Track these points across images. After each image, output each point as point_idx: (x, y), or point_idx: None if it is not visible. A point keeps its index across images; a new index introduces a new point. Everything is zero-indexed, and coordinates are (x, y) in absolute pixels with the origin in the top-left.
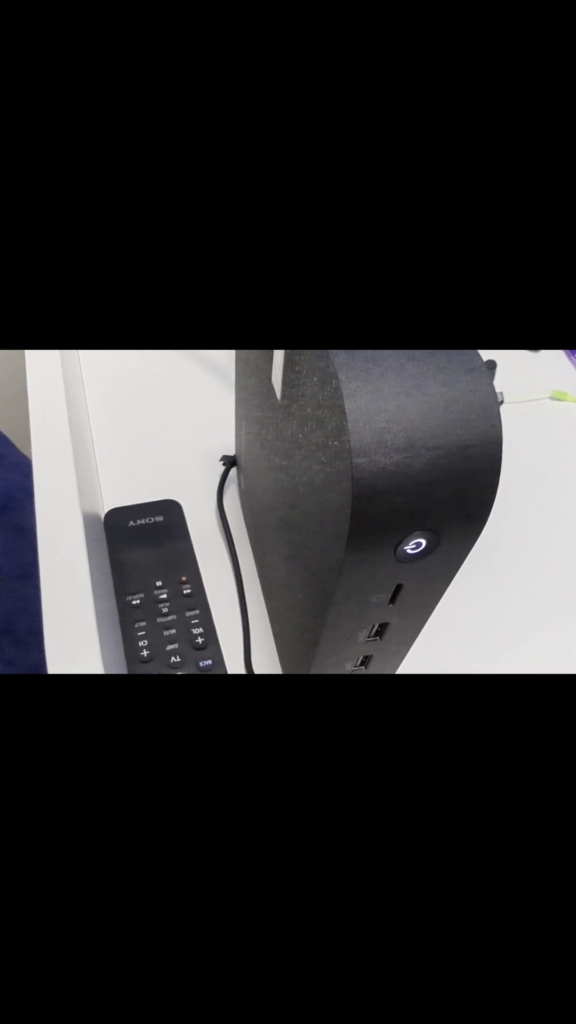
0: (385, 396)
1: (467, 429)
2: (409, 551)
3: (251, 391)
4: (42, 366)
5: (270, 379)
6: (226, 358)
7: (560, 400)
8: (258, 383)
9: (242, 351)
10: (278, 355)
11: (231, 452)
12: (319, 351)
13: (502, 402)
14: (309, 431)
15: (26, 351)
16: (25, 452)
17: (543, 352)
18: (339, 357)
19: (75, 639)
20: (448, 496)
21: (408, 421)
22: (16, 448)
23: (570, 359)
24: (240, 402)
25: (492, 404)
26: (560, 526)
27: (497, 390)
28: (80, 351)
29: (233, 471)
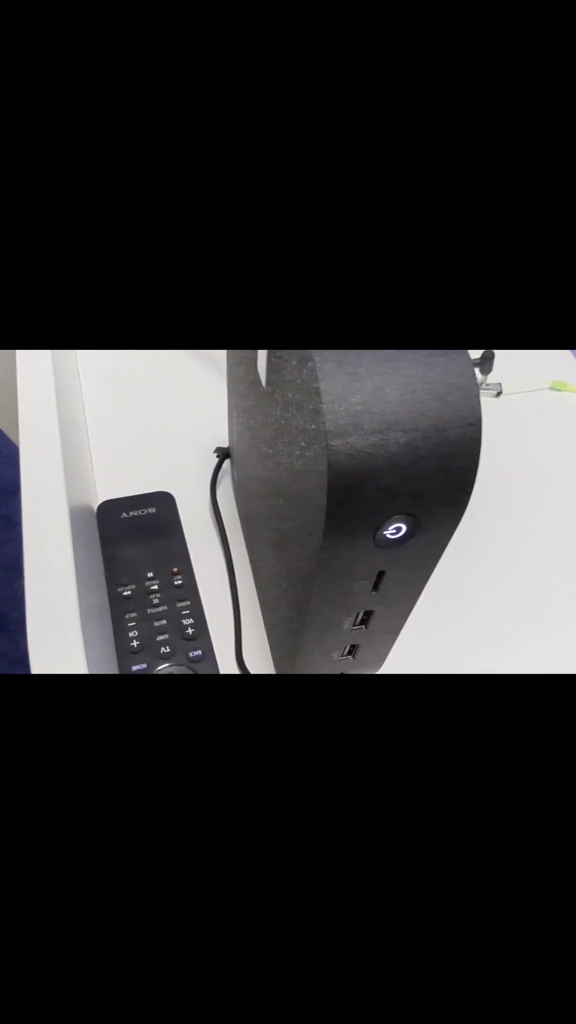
0: (361, 378)
1: (445, 410)
2: (389, 536)
3: (240, 380)
4: (33, 357)
5: (256, 367)
6: (221, 351)
7: (560, 391)
8: (246, 371)
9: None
10: None
11: (225, 444)
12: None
13: (500, 393)
14: (291, 416)
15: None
16: (18, 442)
17: (544, 351)
18: (317, 355)
19: (58, 632)
20: (426, 479)
21: (385, 403)
22: (8, 439)
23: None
24: (232, 392)
25: (471, 385)
26: (560, 518)
27: (495, 380)
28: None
29: (227, 463)
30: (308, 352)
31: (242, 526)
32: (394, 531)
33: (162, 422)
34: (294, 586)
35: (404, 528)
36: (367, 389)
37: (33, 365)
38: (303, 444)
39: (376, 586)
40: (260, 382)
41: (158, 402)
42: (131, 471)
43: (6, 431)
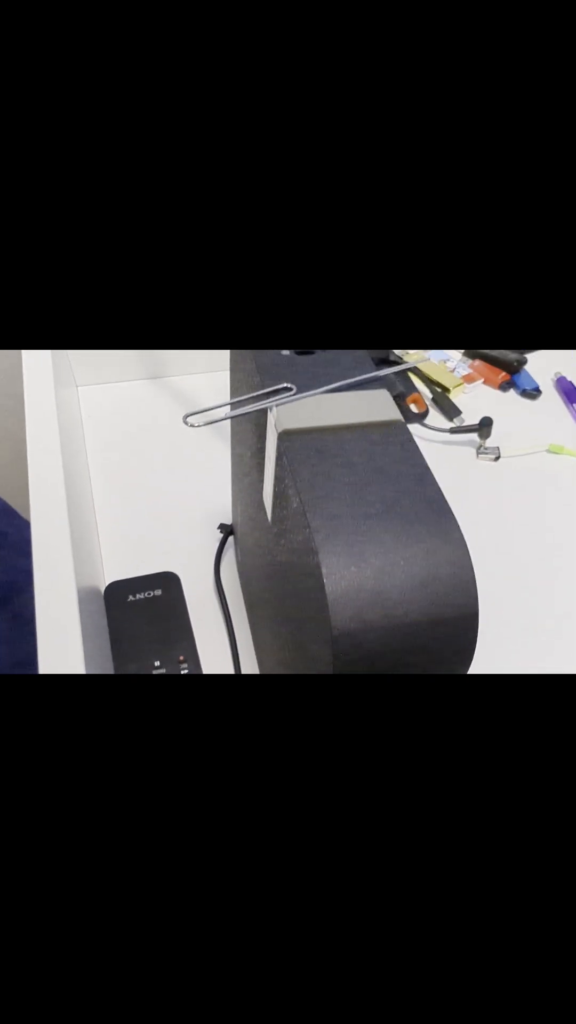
0: (365, 575)
1: (446, 607)
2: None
3: (244, 477)
4: (42, 433)
5: (261, 487)
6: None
7: (558, 453)
8: (251, 457)
9: (236, 426)
10: (268, 471)
11: (228, 518)
12: (299, 508)
13: (499, 457)
14: (296, 573)
15: (27, 423)
16: (27, 516)
17: (542, 401)
18: (320, 534)
19: None
20: (427, 653)
21: (387, 602)
22: (20, 517)
23: (569, 408)
24: (235, 477)
25: (470, 583)
26: (559, 582)
27: (493, 445)
28: (84, 423)
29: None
30: (312, 544)
31: (244, 602)
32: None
33: (167, 494)
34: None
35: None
36: (369, 588)
37: (43, 443)
38: (309, 607)
39: None
40: (265, 511)
41: (163, 473)
42: (136, 547)
43: (14, 504)
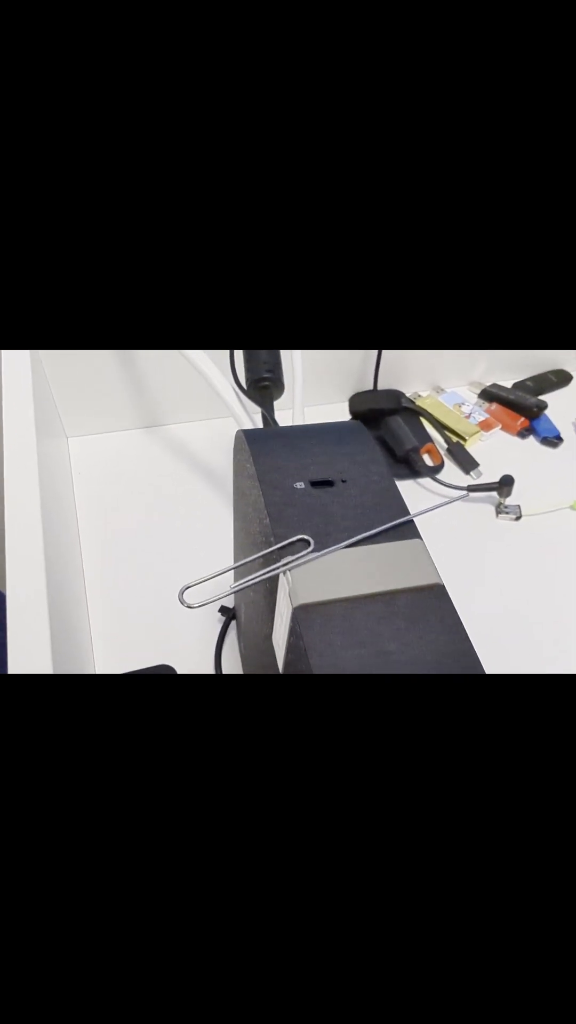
0: None
1: None
2: None
3: (247, 571)
4: (21, 493)
5: (270, 609)
6: (225, 482)
7: None
8: (253, 566)
9: (236, 500)
10: (280, 632)
11: (230, 601)
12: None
13: (519, 517)
14: None
15: (5, 480)
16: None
17: (564, 449)
18: None
19: None
20: None
21: None
22: None
23: None
24: (237, 554)
25: None
26: None
27: (513, 503)
28: (74, 480)
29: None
30: None
31: None
32: None
33: (167, 563)
34: None
35: None
36: None
37: (21, 501)
38: None
39: None
40: (274, 651)
41: (161, 538)
42: (131, 628)
43: None
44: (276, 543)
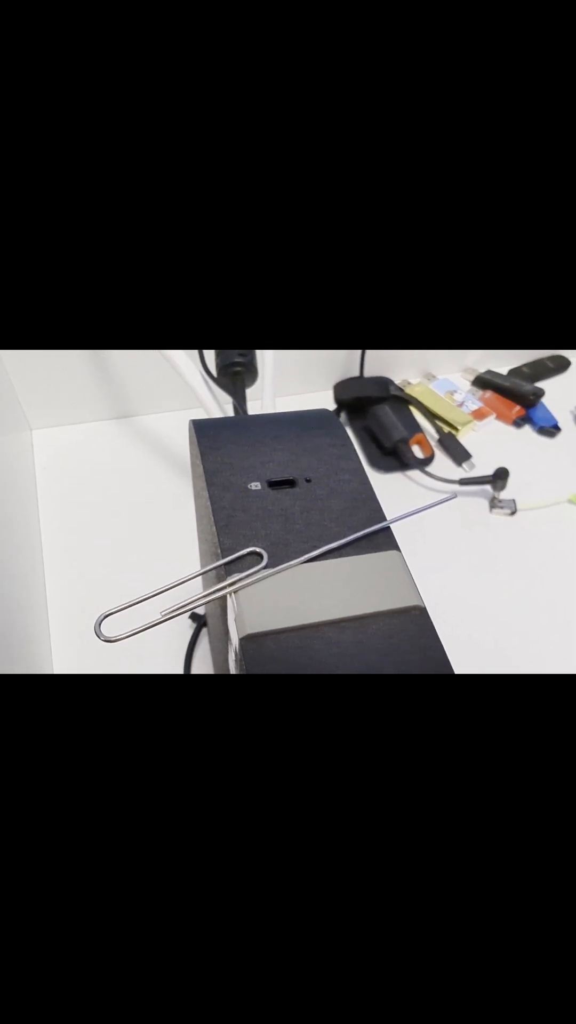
0: None
1: None
2: None
3: (213, 611)
4: None
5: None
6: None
7: None
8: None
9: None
10: (232, 660)
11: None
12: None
13: (515, 512)
14: None
15: None
16: None
17: (561, 439)
18: None
19: None
20: None
21: None
22: None
23: None
24: (203, 560)
25: None
26: None
27: (508, 497)
28: (37, 474)
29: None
30: None
31: None
32: None
33: (134, 565)
34: None
35: None
36: None
37: None
38: None
39: None
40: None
41: (129, 540)
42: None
43: None
44: (224, 556)
